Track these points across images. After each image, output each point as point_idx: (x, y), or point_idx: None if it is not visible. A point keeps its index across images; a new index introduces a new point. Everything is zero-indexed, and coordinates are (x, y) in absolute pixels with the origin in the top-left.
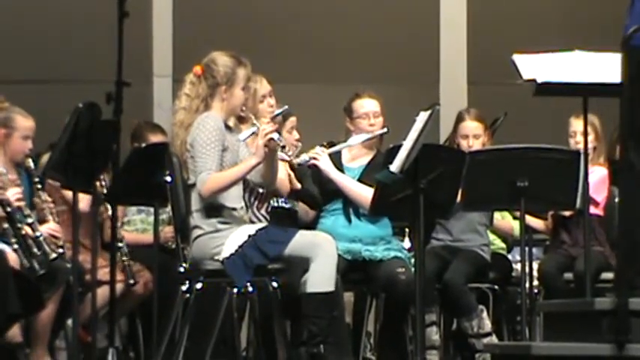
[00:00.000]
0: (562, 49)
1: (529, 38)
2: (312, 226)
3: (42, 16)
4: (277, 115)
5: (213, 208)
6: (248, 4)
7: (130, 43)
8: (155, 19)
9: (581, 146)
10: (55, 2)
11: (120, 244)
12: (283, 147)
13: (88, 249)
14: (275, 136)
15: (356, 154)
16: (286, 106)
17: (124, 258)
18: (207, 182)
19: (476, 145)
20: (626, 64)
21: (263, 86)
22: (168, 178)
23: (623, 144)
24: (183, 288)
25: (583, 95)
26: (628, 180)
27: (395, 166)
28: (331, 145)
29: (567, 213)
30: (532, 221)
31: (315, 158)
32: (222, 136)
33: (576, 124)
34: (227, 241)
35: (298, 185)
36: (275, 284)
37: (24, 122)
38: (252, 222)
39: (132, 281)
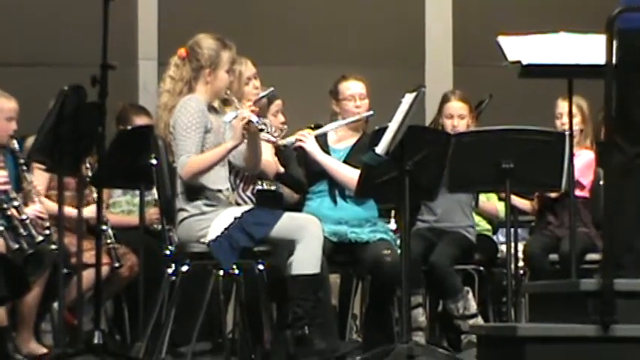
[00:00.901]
0: (547, 30)
1: (514, 20)
2: (298, 208)
3: None
4: (262, 97)
5: (198, 191)
6: None
7: (116, 26)
8: (140, 2)
9: (567, 128)
10: None
11: (104, 227)
12: (261, 130)
13: (74, 232)
14: (254, 119)
15: (342, 136)
16: (272, 88)
17: (109, 241)
18: (186, 165)
19: (460, 125)
20: (609, 46)
21: (248, 68)
22: (154, 161)
23: (607, 126)
24: (169, 270)
25: (568, 77)
26: (612, 162)
27: (381, 148)
28: (318, 126)
29: (553, 195)
30: (518, 202)
31: (301, 140)
32: (203, 119)
33: (563, 106)
34: (213, 223)
35: (281, 169)
36: (261, 266)
37: (6, 104)
38: (237, 204)
39: (117, 264)
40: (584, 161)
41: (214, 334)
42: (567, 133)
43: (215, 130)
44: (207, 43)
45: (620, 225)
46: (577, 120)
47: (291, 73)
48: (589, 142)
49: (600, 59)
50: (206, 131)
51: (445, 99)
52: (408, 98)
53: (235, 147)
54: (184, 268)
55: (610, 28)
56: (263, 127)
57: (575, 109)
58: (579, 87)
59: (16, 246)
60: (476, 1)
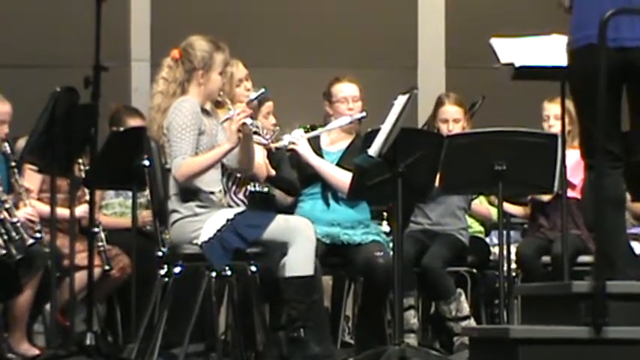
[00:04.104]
0: (540, 32)
1: (507, 22)
2: (290, 210)
3: (19, 0)
4: (253, 99)
5: (191, 192)
6: None
7: (108, 27)
8: (133, 3)
9: (554, 130)
10: None
11: (96, 230)
12: (256, 132)
13: (66, 233)
14: (248, 121)
15: (335, 138)
16: (263, 89)
17: (100, 244)
18: (181, 167)
19: (456, 129)
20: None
21: (240, 70)
22: (147, 162)
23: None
24: (162, 272)
25: (560, 79)
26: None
27: (373, 150)
28: (312, 128)
29: (546, 198)
30: (510, 208)
31: (293, 143)
32: (198, 120)
33: (550, 108)
34: (205, 225)
35: (272, 172)
36: (254, 268)
37: (0, 107)
38: (230, 206)
39: (107, 267)
40: (574, 161)
41: (207, 335)
42: (559, 135)
43: (208, 132)
44: (200, 44)
45: (611, 232)
46: (565, 121)
47: (285, 75)
48: (577, 143)
49: None
50: (200, 133)
51: (440, 103)
52: (401, 100)
53: (231, 150)
54: (177, 270)
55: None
56: (256, 129)
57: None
58: (567, 87)
59: (4, 252)
60: (468, 3)
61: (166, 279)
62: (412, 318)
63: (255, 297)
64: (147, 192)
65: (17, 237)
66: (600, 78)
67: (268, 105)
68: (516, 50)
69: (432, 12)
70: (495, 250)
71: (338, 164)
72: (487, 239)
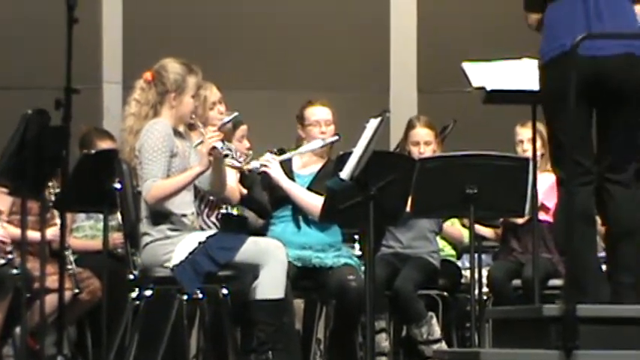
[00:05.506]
0: (511, 57)
1: (479, 46)
2: (262, 232)
3: None
4: (226, 122)
5: (162, 215)
6: (199, 11)
7: (80, 49)
8: (105, 26)
9: (528, 154)
10: (4, 8)
11: (66, 252)
12: (226, 155)
13: (37, 256)
14: (219, 144)
15: (307, 162)
16: (236, 113)
17: (69, 267)
18: (152, 189)
19: (427, 152)
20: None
21: (213, 93)
22: (118, 185)
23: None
24: (133, 295)
25: (532, 103)
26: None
27: (345, 173)
28: (281, 152)
29: (520, 220)
30: (482, 230)
31: (265, 165)
32: (170, 143)
33: (522, 132)
34: (177, 248)
35: (244, 191)
36: (225, 291)
37: None
38: (202, 229)
39: (77, 290)
40: (547, 185)
41: (178, 359)
42: (531, 158)
43: (181, 154)
44: (173, 67)
45: (582, 250)
46: (537, 145)
47: (257, 98)
48: (549, 166)
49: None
50: (172, 155)
51: (410, 125)
52: (373, 123)
53: (202, 173)
54: (148, 293)
55: (572, 55)
56: (228, 152)
57: None
58: (538, 110)
59: None
60: (441, 28)
61: (137, 302)
62: (384, 341)
63: (226, 320)
64: (118, 215)
65: None
66: (571, 90)
67: (242, 128)
68: (488, 74)
69: (404, 36)
70: (467, 273)
71: (309, 187)
72: (459, 262)
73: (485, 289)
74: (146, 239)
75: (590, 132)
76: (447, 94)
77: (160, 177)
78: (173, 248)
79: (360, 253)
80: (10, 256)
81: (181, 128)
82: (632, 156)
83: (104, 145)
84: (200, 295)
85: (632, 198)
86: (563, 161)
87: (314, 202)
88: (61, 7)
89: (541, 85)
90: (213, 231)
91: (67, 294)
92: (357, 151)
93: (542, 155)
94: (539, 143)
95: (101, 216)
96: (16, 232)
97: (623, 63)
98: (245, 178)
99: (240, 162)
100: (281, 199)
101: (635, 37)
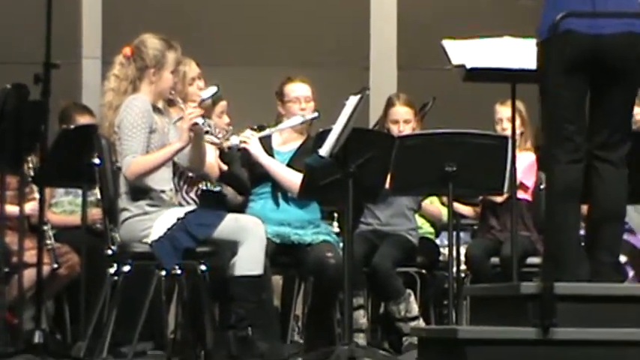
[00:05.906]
0: (492, 35)
1: (459, 24)
2: (241, 209)
3: None
4: (205, 99)
5: (141, 191)
6: None
7: (59, 24)
8: (84, 1)
9: (507, 133)
10: None
11: (45, 227)
12: (207, 132)
13: (15, 230)
14: (199, 120)
15: (286, 139)
16: (215, 88)
17: (48, 242)
18: (131, 165)
19: (406, 130)
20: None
21: (192, 69)
22: (97, 161)
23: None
24: (111, 270)
25: (512, 82)
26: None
27: (324, 150)
28: (261, 128)
29: (499, 199)
30: (461, 208)
31: (245, 142)
32: (149, 119)
33: (502, 111)
34: (155, 223)
35: (224, 166)
36: (203, 267)
37: None
38: (181, 205)
39: (55, 265)
40: (526, 163)
41: (156, 334)
42: (510, 137)
43: (160, 130)
44: (152, 43)
45: (561, 228)
46: (517, 123)
47: (236, 74)
48: (529, 144)
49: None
50: (151, 131)
51: (390, 103)
52: (352, 100)
53: (182, 149)
54: (126, 268)
55: (554, 32)
56: (208, 128)
57: None
58: (517, 89)
59: None
60: (421, 5)
61: (116, 277)
62: (361, 318)
63: (204, 296)
64: (97, 190)
65: None
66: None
67: (222, 104)
68: (468, 52)
69: (385, 13)
70: (445, 250)
71: (289, 164)
72: (437, 240)
73: (463, 267)
74: (125, 215)
75: (584, 110)
76: (427, 71)
77: (140, 153)
78: (152, 224)
79: (338, 230)
80: None
81: (160, 104)
82: (626, 135)
83: (83, 120)
84: (179, 271)
85: (620, 179)
86: (554, 137)
87: (293, 179)
88: None
89: (539, 62)
90: (192, 207)
91: (46, 269)
92: (337, 128)
93: (522, 134)
94: (518, 122)
95: (80, 191)
96: None
97: (624, 41)
98: (224, 154)
99: (219, 138)
100: (260, 175)
101: (622, 16)
